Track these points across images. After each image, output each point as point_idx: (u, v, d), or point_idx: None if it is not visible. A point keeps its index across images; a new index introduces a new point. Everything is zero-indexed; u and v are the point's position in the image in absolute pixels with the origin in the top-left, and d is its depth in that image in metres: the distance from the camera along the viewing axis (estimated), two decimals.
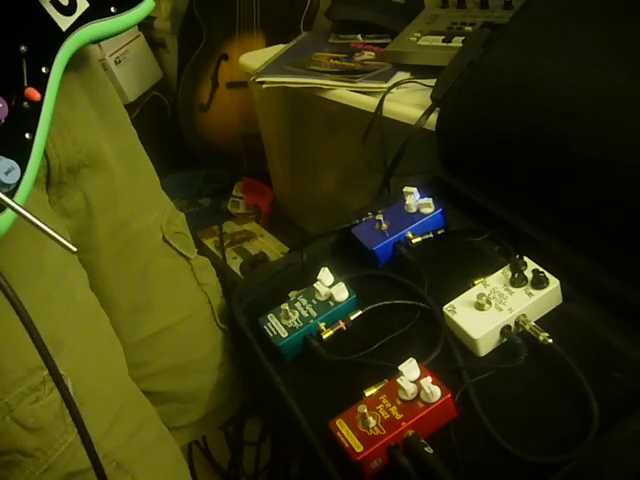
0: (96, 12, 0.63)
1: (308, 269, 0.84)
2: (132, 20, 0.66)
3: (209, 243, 1.51)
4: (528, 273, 0.68)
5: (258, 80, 1.17)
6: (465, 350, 0.67)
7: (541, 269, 0.67)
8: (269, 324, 0.76)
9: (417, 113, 0.94)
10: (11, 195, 0.54)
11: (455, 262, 0.78)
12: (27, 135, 0.57)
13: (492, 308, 0.66)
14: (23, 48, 0.57)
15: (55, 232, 0.52)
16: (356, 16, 1.29)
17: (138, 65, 1.85)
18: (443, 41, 1.05)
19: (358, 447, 0.59)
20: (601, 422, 0.56)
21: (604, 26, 0.75)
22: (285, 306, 0.76)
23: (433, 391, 0.60)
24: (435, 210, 0.80)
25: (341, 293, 0.75)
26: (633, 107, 0.66)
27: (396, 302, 0.75)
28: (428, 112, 0.92)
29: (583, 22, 0.78)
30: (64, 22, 0.61)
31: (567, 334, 0.63)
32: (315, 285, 0.76)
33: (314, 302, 0.76)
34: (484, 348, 0.66)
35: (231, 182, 1.73)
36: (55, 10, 0.60)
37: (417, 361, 0.63)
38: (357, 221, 0.86)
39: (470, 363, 0.66)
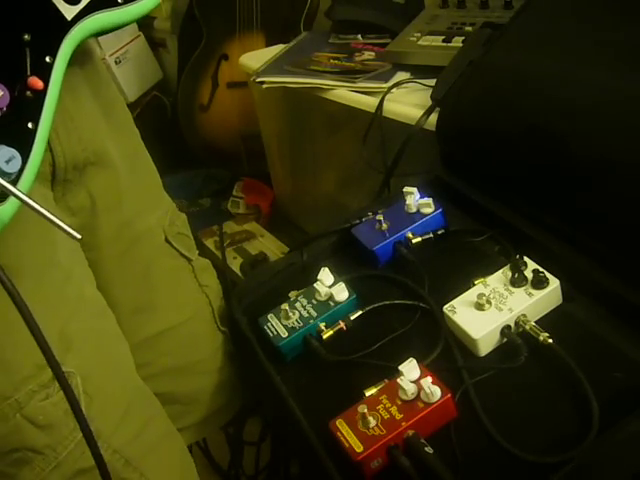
0: (102, 2, 0.62)
1: (308, 269, 0.84)
2: (139, 11, 0.64)
3: (209, 243, 1.51)
4: (528, 273, 0.68)
5: (258, 80, 1.17)
6: (465, 350, 0.67)
7: (541, 269, 0.67)
8: (269, 324, 0.76)
9: (417, 113, 0.94)
10: (13, 185, 0.53)
11: (455, 262, 0.78)
12: (30, 124, 0.56)
13: (492, 308, 0.66)
14: (27, 36, 0.56)
15: (57, 218, 0.51)
16: (356, 16, 1.29)
17: (138, 65, 1.85)
18: (443, 41, 1.05)
19: (358, 447, 0.59)
20: (601, 422, 0.55)
21: (604, 26, 0.75)
22: (285, 306, 0.76)
23: (433, 391, 0.60)
24: (435, 210, 0.80)
25: (341, 293, 0.75)
26: (633, 107, 0.65)
27: (396, 302, 0.75)
28: (428, 112, 0.92)
29: (583, 22, 0.78)
30: (69, 11, 0.60)
31: (567, 334, 0.63)
32: (315, 285, 0.76)
33: (314, 302, 0.76)
34: (484, 348, 0.66)
35: (231, 182, 1.73)
36: None
37: (417, 361, 0.63)
38: (357, 221, 0.86)
39: (470, 363, 0.66)
